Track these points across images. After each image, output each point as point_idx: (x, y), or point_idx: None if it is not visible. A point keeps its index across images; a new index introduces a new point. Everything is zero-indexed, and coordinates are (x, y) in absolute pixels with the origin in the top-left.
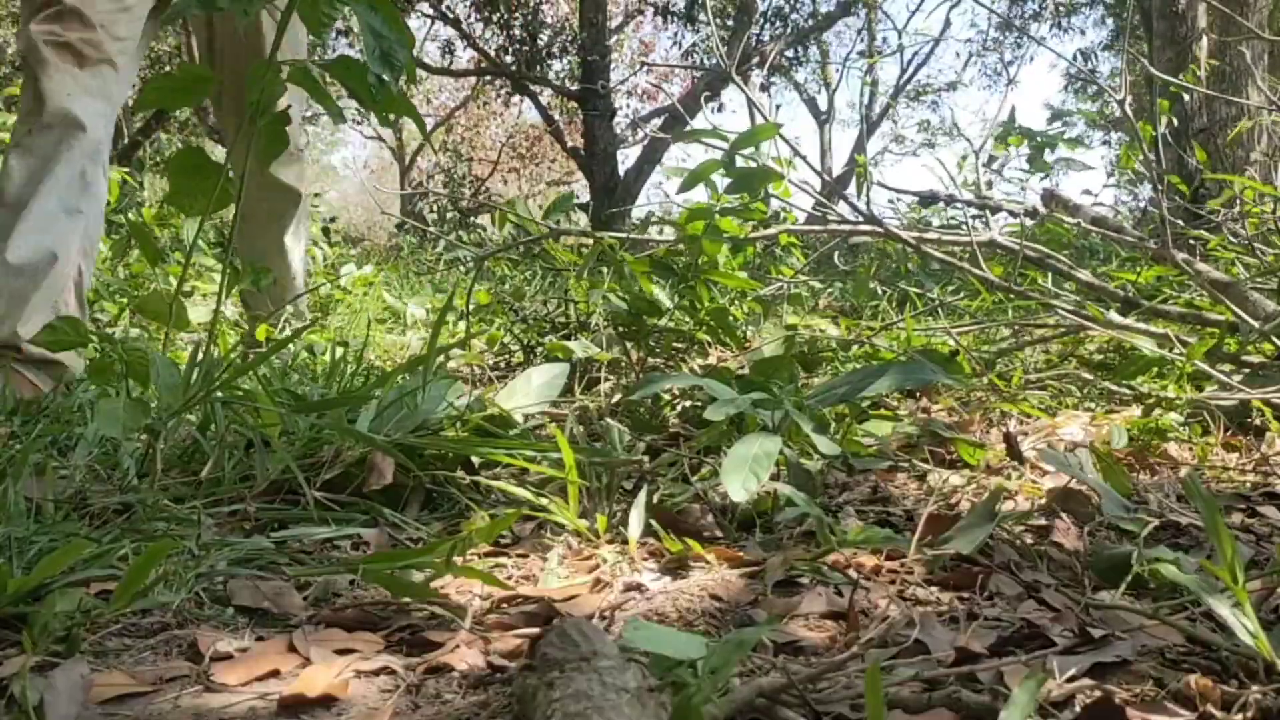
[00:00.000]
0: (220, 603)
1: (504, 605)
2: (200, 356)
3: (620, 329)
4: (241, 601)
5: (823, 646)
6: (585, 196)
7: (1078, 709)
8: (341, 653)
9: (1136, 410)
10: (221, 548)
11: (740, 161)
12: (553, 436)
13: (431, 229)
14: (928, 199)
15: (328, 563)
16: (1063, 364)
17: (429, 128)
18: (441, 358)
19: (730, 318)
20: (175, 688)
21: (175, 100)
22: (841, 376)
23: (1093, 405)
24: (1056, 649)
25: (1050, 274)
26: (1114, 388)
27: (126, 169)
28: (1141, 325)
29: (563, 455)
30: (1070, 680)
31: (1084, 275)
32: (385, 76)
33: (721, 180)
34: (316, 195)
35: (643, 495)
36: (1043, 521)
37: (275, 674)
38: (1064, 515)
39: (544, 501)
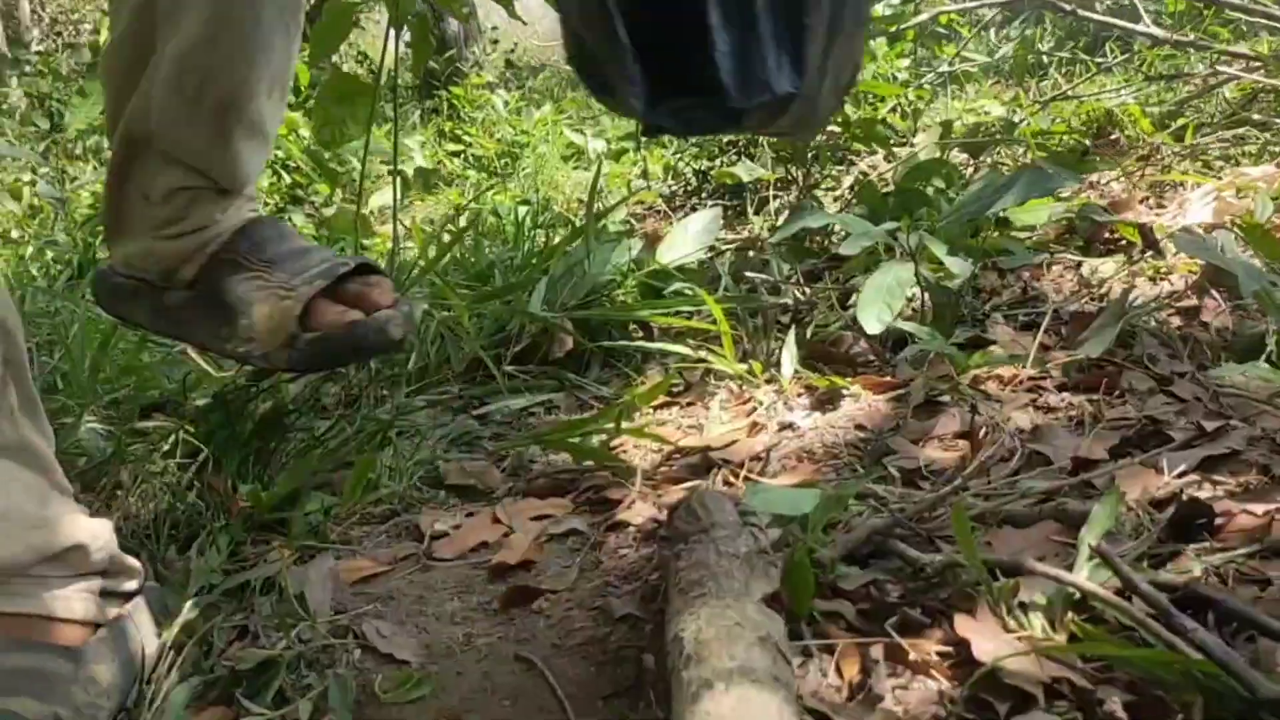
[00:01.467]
0: (435, 485)
1: (673, 458)
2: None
3: (779, 152)
4: (452, 482)
5: (951, 466)
6: None
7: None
8: (537, 519)
9: None
10: (433, 430)
11: None
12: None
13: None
14: None
15: (522, 433)
16: (1251, 105)
17: None
18: (625, 194)
19: (882, 122)
20: (406, 566)
21: (330, 43)
22: (971, 192)
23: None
24: (1172, 445)
25: None
26: None
27: None
28: None
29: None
30: (1180, 476)
31: None
32: None
33: None
34: (495, 28)
35: (791, 334)
36: (1194, 302)
37: (484, 545)
38: (1215, 293)
39: (703, 354)
